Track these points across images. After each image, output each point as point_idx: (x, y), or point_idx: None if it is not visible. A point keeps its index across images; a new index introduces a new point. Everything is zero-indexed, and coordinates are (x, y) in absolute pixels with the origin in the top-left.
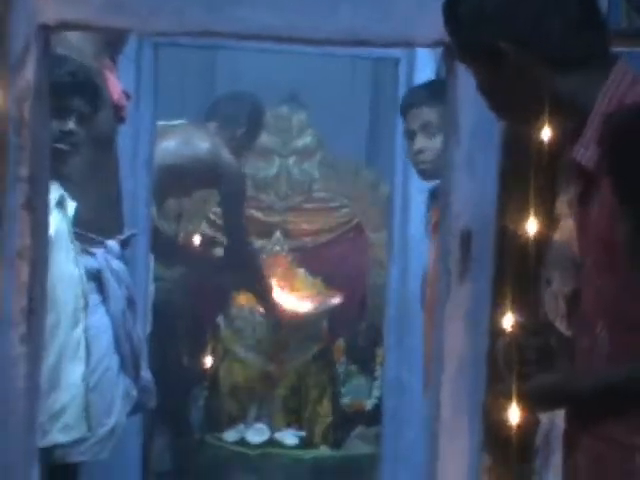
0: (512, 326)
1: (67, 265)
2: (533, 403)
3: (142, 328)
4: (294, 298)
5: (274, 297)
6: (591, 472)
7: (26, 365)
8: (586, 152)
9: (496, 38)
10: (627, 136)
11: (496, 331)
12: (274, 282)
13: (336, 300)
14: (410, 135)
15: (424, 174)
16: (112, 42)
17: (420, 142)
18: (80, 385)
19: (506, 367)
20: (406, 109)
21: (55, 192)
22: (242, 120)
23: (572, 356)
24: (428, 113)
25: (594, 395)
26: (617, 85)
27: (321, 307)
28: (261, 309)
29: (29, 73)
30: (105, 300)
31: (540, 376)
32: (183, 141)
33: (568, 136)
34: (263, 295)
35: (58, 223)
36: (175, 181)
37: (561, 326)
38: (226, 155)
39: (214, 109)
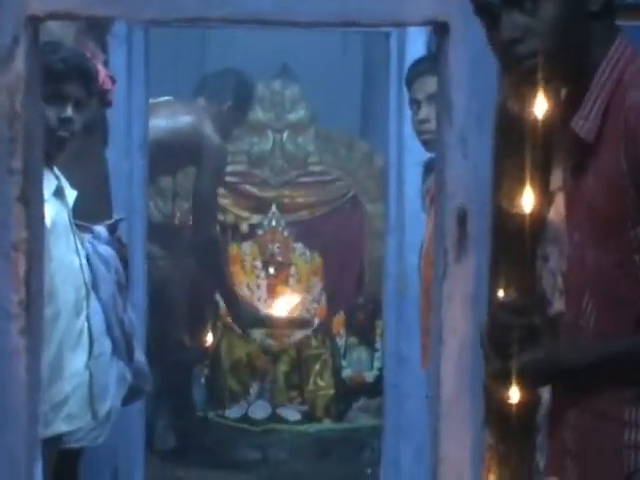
0: (496, 305)
1: (67, 254)
2: (523, 379)
3: (141, 309)
4: (281, 304)
5: (240, 306)
6: (580, 448)
7: (26, 357)
8: (585, 123)
9: None
10: None
11: (493, 309)
12: (265, 280)
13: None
14: (415, 105)
15: (427, 144)
16: (97, 25)
17: (425, 112)
18: (83, 373)
19: (490, 347)
20: (412, 79)
21: (52, 181)
22: (228, 94)
23: (558, 334)
24: (433, 83)
25: (588, 369)
26: (617, 58)
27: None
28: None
29: (19, 65)
30: (94, 285)
31: (529, 352)
32: (167, 117)
33: (562, 105)
34: (230, 304)
35: (56, 213)
36: (160, 158)
37: (559, 302)
38: (208, 130)
39: (201, 85)
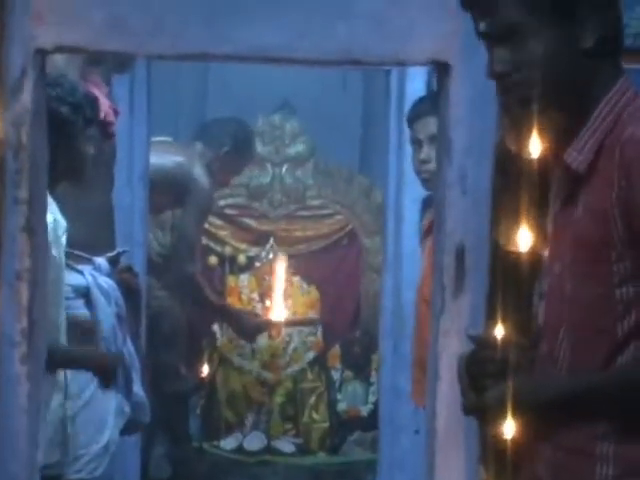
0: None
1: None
2: (495, 413)
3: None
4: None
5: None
6: None
7: (27, 385)
8: (578, 156)
9: (522, 17)
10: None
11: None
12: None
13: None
14: (417, 144)
15: (427, 183)
16: (102, 58)
17: (426, 152)
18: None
19: (465, 380)
20: (413, 119)
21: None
22: (226, 141)
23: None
24: (435, 124)
25: (557, 404)
26: (618, 97)
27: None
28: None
29: (26, 97)
30: (94, 317)
31: (501, 386)
32: (159, 156)
33: (559, 137)
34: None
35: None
36: (151, 195)
37: None
38: (198, 172)
39: (202, 130)
